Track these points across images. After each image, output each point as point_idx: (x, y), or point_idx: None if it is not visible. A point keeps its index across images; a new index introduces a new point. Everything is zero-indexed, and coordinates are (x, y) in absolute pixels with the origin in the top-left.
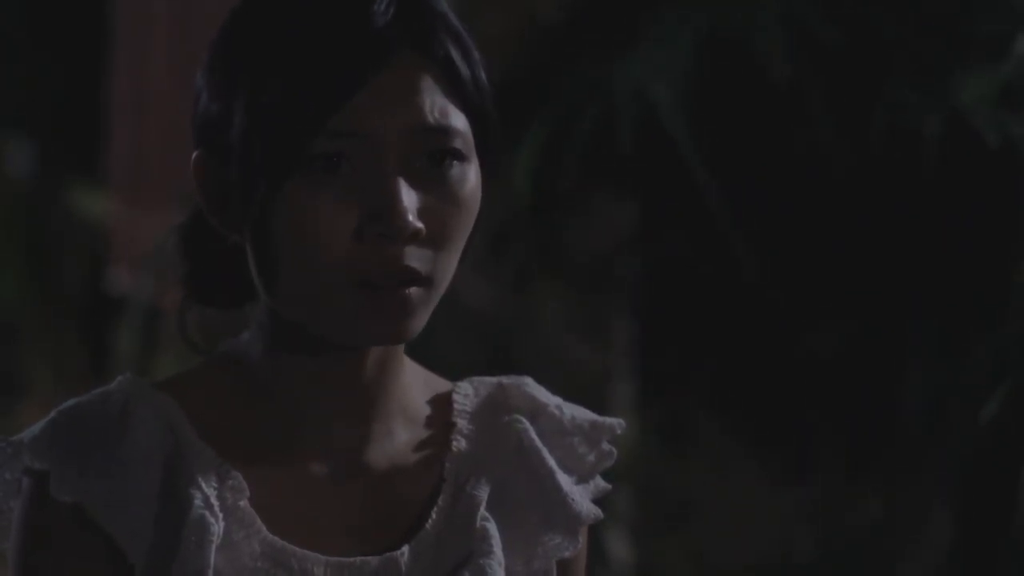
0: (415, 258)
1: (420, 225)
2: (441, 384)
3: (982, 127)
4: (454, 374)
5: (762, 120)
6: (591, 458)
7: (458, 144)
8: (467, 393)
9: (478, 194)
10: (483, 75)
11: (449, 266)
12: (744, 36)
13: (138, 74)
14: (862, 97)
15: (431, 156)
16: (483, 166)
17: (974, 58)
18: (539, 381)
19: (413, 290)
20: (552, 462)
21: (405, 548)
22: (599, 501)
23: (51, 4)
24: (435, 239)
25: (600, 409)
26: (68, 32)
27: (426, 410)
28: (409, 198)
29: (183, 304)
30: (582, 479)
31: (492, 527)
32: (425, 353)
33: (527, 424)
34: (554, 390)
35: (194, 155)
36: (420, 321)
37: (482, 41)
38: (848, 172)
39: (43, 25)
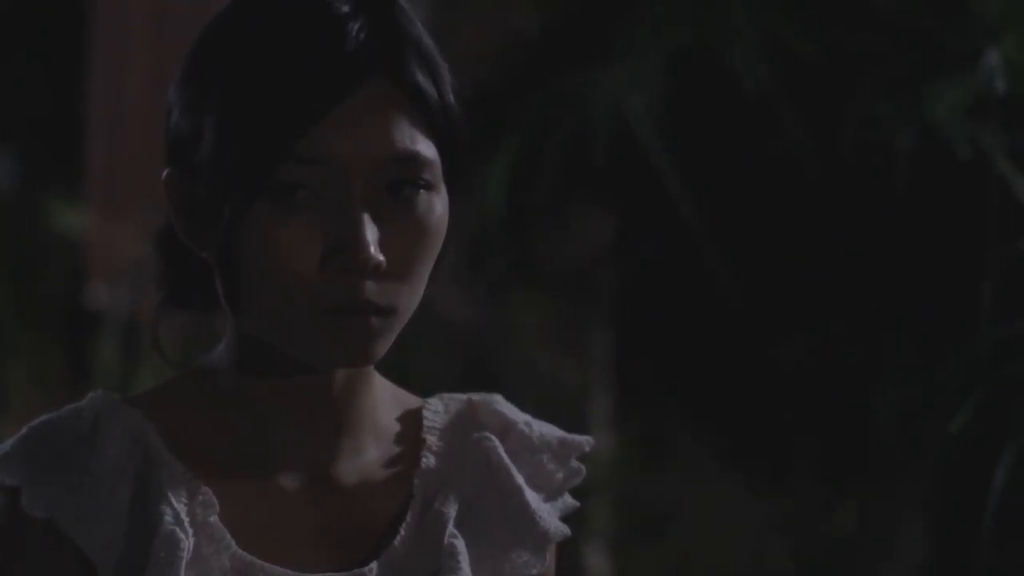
0: (377, 291)
1: (382, 258)
2: (411, 400)
3: (953, 139)
4: (431, 387)
5: (736, 132)
6: (560, 475)
7: (426, 174)
8: (437, 410)
9: (444, 223)
10: (454, 101)
11: (413, 295)
12: (717, 49)
13: (116, 88)
14: (834, 109)
15: (398, 185)
16: (451, 192)
17: (944, 71)
18: (516, 394)
19: (375, 319)
20: (520, 479)
21: (373, 564)
22: (568, 518)
23: (29, 17)
24: (399, 271)
25: (577, 421)
26: (47, 45)
27: (396, 426)
28: (372, 231)
29: (159, 308)
30: (551, 497)
31: (460, 544)
32: (401, 367)
33: (496, 441)
34: (531, 403)
35: (164, 172)
36: (383, 346)
37: (458, 55)
38: (821, 184)
39: (22, 38)
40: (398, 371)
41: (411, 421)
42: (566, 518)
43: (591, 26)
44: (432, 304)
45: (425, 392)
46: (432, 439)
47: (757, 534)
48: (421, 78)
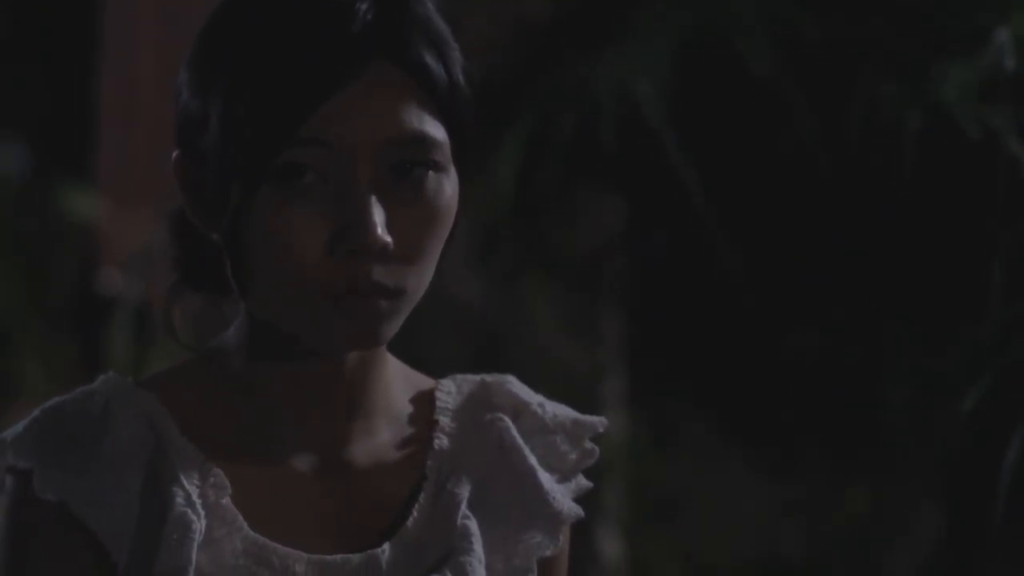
0: (385, 273)
1: (388, 240)
2: (424, 382)
3: (962, 120)
4: (443, 371)
5: (744, 116)
6: (573, 456)
7: (434, 155)
8: (450, 391)
9: (454, 204)
10: (463, 82)
11: (422, 277)
12: (725, 33)
13: (126, 75)
14: (842, 92)
15: (405, 167)
16: (460, 174)
17: (953, 52)
18: (528, 379)
19: (383, 301)
20: (533, 461)
21: (386, 545)
22: (581, 499)
23: (39, 6)
24: (407, 253)
25: (590, 407)
26: (57, 34)
27: (408, 408)
28: (379, 213)
29: (172, 291)
30: (564, 478)
31: (473, 525)
32: (414, 350)
33: (509, 422)
34: (543, 388)
35: (174, 155)
36: (391, 328)
37: (468, 41)
38: (830, 168)
39: (32, 27)
40: (409, 356)
41: (424, 402)
42: (579, 499)
43: (600, 12)
44: (444, 289)
45: (436, 375)
46: (445, 420)
47: (768, 518)
48: (429, 59)
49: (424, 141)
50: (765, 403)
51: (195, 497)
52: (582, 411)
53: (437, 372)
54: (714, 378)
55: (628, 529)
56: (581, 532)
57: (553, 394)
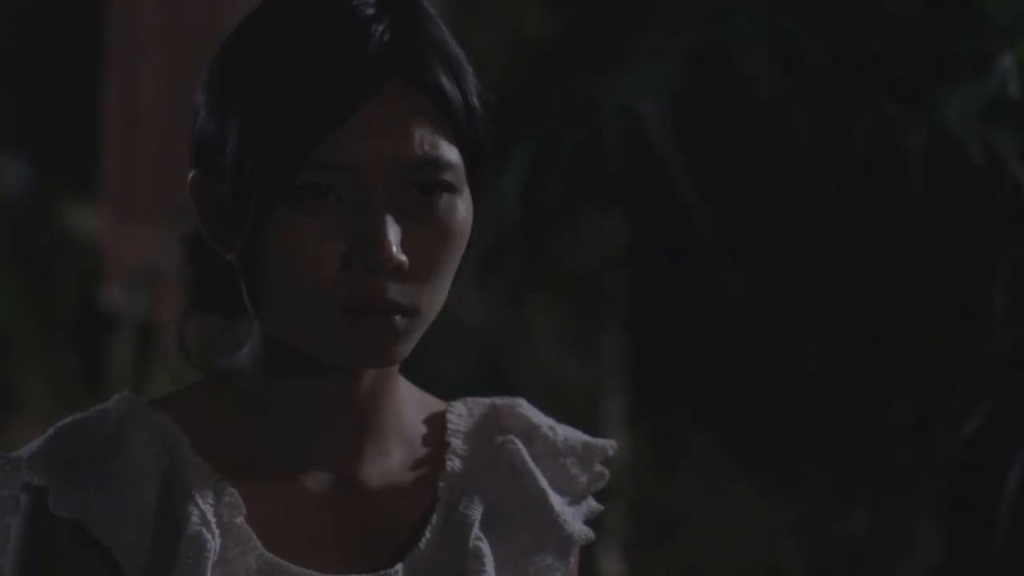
0: (399, 291)
1: (403, 258)
2: (435, 403)
3: (966, 143)
4: (446, 388)
5: (748, 135)
6: (583, 479)
7: (448, 177)
8: (461, 413)
9: (468, 225)
10: (478, 103)
11: (436, 296)
12: (729, 52)
13: (130, 92)
14: (846, 113)
15: (420, 188)
16: (474, 194)
17: (956, 74)
18: (530, 396)
19: (398, 318)
20: (544, 483)
21: (399, 566)
22: (591, 521)
23: (44, 22)
24: (421, 272)
25: (590, 424)
26: (61, 50)
27: (421, 429)
28: (394, 231)
29: (184, 315)
30: (574, 500)
31: (485, 546)
32: (417, 367)
33: (520, 445)
34: (545, 405)
35: (191, 174)
36: (406, 347)
37: (472, 59)
38: (834, 188)
39: (36, 43)
40: (412, 371)
41: (435, 424)
42: (588, 521)
43: (604, 30)
44: (446, 306)
45: (439, 394)
46: (457, 442)
47: (769, 537)
48: (444, 80)
49: (439, 162)
50: (766, 422)
51: (210, 516)
52: (584, 429)
53: (439, 388)
54: (716, 397)
55: (628, 547)
56: (584, 553)
57: (554, 411)
